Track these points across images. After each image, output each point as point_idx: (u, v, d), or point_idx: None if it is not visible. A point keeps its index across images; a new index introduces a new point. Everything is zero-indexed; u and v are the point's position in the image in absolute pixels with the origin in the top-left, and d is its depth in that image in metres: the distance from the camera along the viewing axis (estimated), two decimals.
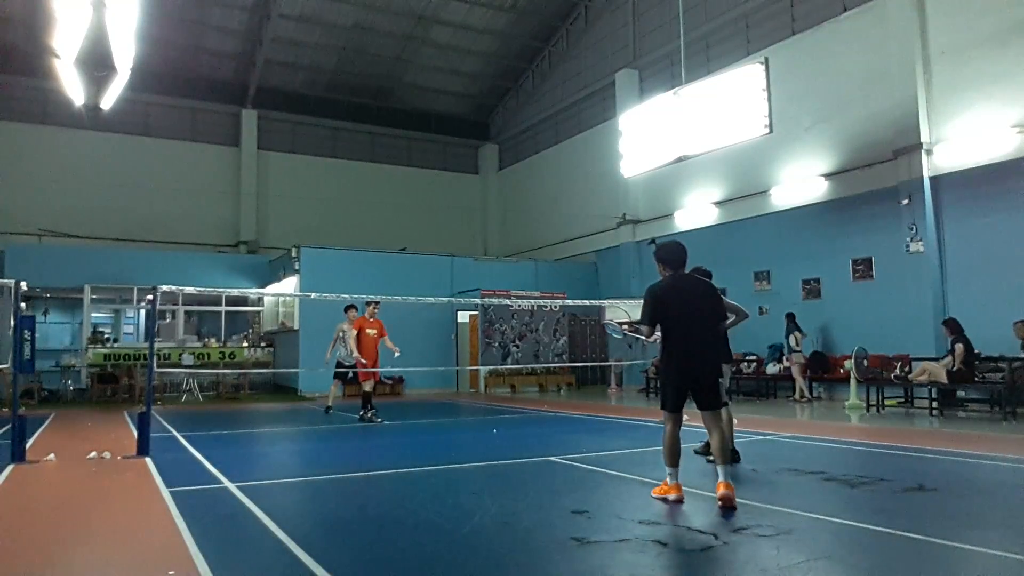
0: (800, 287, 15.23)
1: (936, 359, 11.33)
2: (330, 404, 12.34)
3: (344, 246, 19.49)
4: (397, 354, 10.89)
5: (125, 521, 4.74)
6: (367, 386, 11.07)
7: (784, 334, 13.80)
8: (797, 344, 13.63)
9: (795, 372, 13.72)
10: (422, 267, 19.09)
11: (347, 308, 11.78)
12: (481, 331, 18.00)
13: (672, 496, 4.88)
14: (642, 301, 5.21)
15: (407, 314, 16.42)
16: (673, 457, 4.95)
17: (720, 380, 5.24)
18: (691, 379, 4.98)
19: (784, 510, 4.61)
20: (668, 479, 4.96)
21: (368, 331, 11.05)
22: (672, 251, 5.26)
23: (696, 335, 5.03)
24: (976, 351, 10.91)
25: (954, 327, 10.83)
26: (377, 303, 11.25)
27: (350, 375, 12.00)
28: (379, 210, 24.32)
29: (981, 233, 12.40)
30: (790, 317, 13.86)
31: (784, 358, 14.43)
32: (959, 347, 10.53)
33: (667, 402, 5.08)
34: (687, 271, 5.54)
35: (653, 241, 5.22)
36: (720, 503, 4.62)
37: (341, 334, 11.79)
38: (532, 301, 17.30)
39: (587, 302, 16.00)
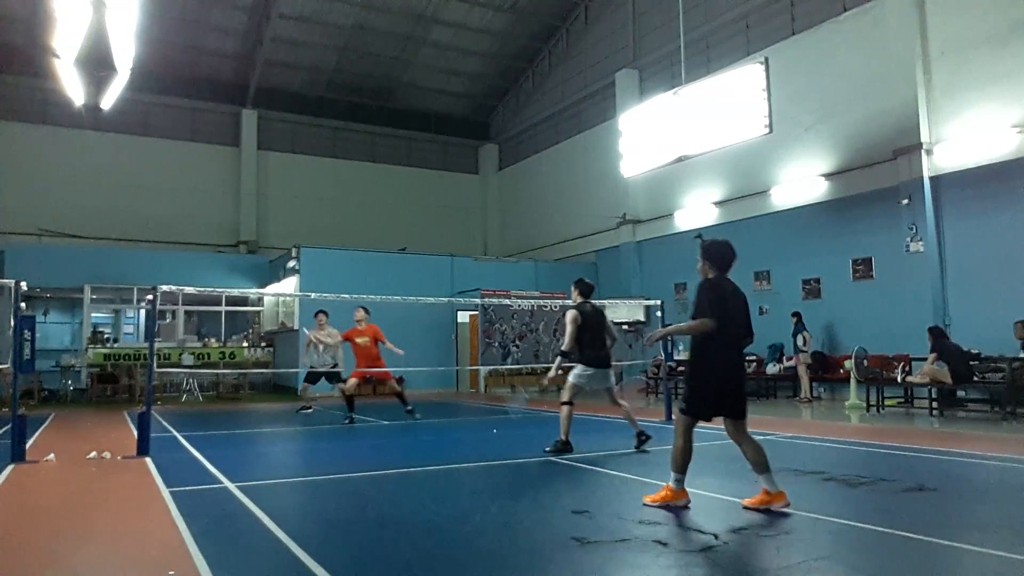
0: (800, 287, 15.24)
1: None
2: (306, 404, 12.46)
3: (344, 246, 19.50)
4: (400, 353, 10.73)
5: (125, 521, 4.74)
6: (348, 387, 10.81)
7: (791, 333, 13.76)
8: (805, 344, 13.62)
9: (801, 372, 13.71)
10: (422, 267, 19.09)
11: (316, 313, 11.76)
12: (481, 331, 18.00)
13: (682, 501, 4.74)
14: (699, 294, 4.81)
15: (407, 314, 16.39)
16: (685, 463, 4.78)
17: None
18: (735, 386, 4.77)
19: (784, 510, 4.61)
20: (674, 484, 4.77)
21: (358, 340, 10.74)
22: (724, 252, 4.94)
23: (734, 344, 4.82)
24: (976, 351, 10.93)
25: (933, 335, 10.90)
26: (364, 309, 10.89)
27: (321, 380, 12.01)
28: (379, 210, 24.33)
29: (981, 233, 12.40)
30: (797, 316, 13.84)
31: (785, 358, 14.43)
32: (932, 355, 10.65)
33: (700, 408, 4.78)
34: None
35: (700, 236, 5.05)
36: (784, 514, 4.50)
37: (314, 340, 11.67)
38: (532, 301, 17.30)
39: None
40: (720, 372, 4.73)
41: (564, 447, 7.19)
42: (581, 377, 7.27)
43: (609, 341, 7.55)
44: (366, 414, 12.24)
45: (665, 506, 4.72)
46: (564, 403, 7.32)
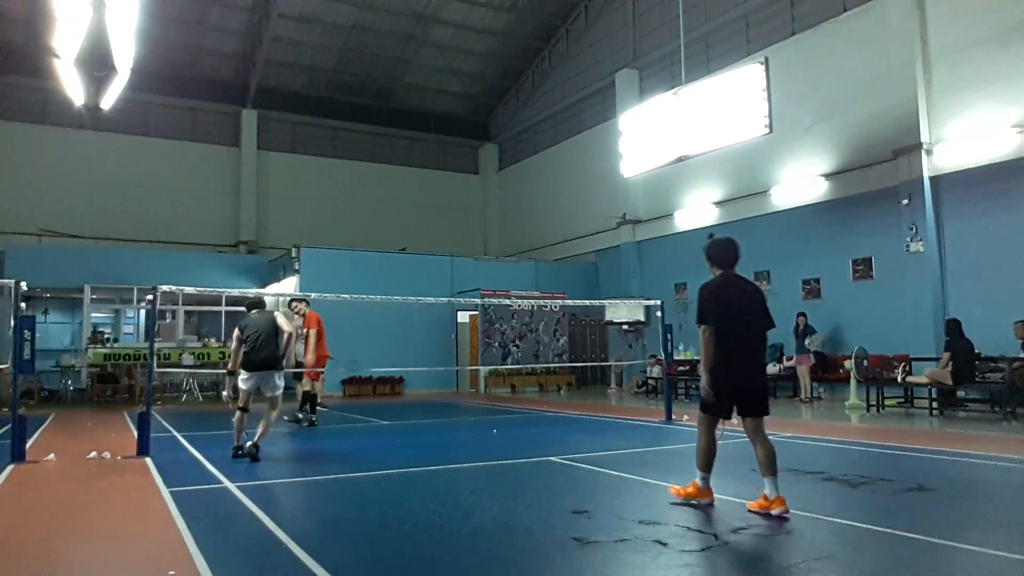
0: (800, 287, 15.23)
1: (936, 359, 11.31)
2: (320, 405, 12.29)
3: (344, 246, 19.49)
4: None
5: (125, 521, 4.74)
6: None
7: (794, 333, 13.72)
8: (811, 344, 13.61)
9: (802, 372, 13.70)
10: (422, 267, 19.09)
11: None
12: (481, 331, 18.01)
13: (705, 500, 4.81)
14: (698, 299, 4.90)
15: (407, 314, 16.41)
16: (709, 461, 4.84)
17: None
18: (737, 384, 4.76)
19: (783, 515, 4.59)
20: (700, 483, 4.84)
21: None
22: (722, 249, 5.01)
23: (747, 339, 4.80)
24: (977, 351, 10.91)
25: (949, 329, 10.85)
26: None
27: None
28: (379, 210, 24.33)
29: (981, 233, 12.40)
30: (804, 317, 13.82)
31: (785, 358, 14.42)
32: (945, 355, 10.61)
33: (710, 407, 4.83)
34: None
35: (711, 236, 4.96)
36: (784, 519, 4.39)
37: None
38: (532, 301, 17.30)
39: (587, 302, 15.98)
40: (728, 369, 4.71)
41: (246, 453, 7.15)
42: (244, 382, 7.46)
43: (282, 337, 7.58)
44: (366, 414, 12.25)
45: (687, 502, 4.82)
46: (239, 408, 7.48)
